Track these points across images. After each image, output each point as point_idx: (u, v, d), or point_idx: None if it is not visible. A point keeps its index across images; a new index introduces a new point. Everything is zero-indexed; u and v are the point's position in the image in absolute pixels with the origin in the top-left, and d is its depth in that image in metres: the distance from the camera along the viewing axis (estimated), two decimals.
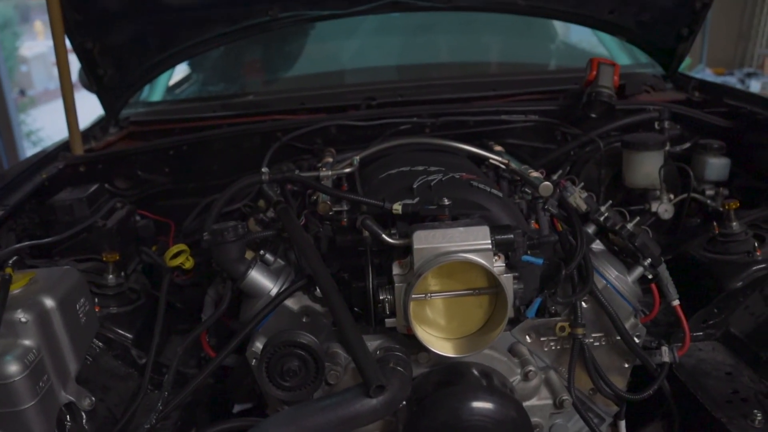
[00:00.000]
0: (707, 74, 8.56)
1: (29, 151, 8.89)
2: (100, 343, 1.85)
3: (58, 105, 2.54)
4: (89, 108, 2.96)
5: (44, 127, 9.81)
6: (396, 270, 1.54)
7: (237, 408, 2.03)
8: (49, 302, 1.47)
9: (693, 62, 8.64)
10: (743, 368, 1.86)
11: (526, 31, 3.59)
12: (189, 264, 1.81)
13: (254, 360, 1.65)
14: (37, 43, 12.96)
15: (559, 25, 3.77)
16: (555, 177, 2.10)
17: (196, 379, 1.62)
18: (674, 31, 2.72)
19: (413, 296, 1.49)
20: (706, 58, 9.18)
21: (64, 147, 2.55)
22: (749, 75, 8.68)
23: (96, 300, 1.92)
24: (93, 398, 1.55)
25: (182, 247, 1.81)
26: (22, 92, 11.68)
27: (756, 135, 2.41)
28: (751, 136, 2.42)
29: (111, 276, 2.00)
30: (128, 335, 1.93)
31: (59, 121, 2.55)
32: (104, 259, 2.00)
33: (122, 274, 2.06)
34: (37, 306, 1.44)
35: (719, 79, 8.15)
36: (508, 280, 1.51)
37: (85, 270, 2.00)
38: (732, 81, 8.42)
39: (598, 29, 2.97)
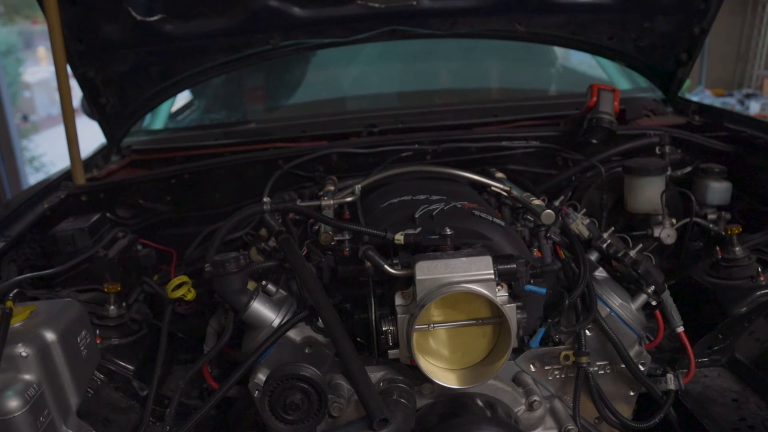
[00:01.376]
0: (706, 95, 8.60)
1: (32, 177, 8.91)
2: (102, 376, 1.83)
3: (61, 131, 2.56)
4: (91, 134, 2.98)
5: (47, 152, 9.84)
6: (399, 301, 1.53)
7: None
8: (50, 336, 1.46)
9: (692, 83, 8.69)
10: (750, 395, 1.85)
11: (526, 57, 3.61)
12: (191, 296, 1.80)
13: (257, 392, 1.64)
14: (40, 69, 13.05)
15: (558, 50, 3.80)
16: (557, 203, 2.10)
17: (199, 412, 1.60)
18: (673, 56, 2.75)
19: (416, 327, 1.49)
20: (705, 80, 9.22)
21: (65, 176, 2.56)
22: (748, 96, 8.71)
23: (97, 331, 1.91)
24: None
25: (184, 278, 1.81)
26: (25, 118, 11.73)
27: (757, 159, 2.41)
28: (752, 159, 2.43)
29: (112, 307, 1.99)
30: (130, 367, 1.91)
31: (62, 146, 2.57)
32: (105, 290, 1.99)
33: (123, 304, 2.05)
34: (37, 340, 1.43)
35: (718, 100, 8.19)
36: (511, 310, 1.50)
37: (86, 301, 1.99)
38: (731, 102, 8.46)
39: (598, 55, 3.00)
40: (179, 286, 1.78)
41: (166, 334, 1.86)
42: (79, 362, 1.54)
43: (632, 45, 2.74)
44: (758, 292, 1.97)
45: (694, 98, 3.07)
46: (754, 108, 8.26)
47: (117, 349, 1.94)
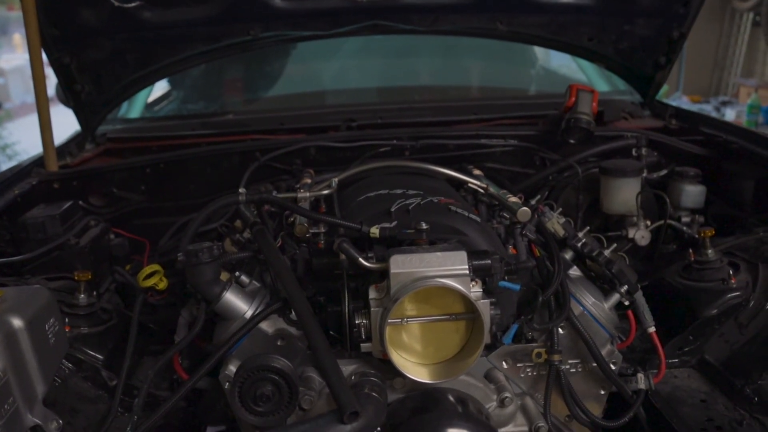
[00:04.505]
0: (684, 102, 8.69)
1: (4, 164, 8.79)
2: (70, 364, 1.81)
3: (36, 119, 2.51)
4: (67, 122, 2.93)
5: (21, 140, 9.70)
6: (372, 294, 1.53)
7: (210, 430, 1.99)
8: (17, 322, 1.43)
9: (670, 90, 8.79)
10: (718, 396, 1.87)
11: (506, 56, 3.62)
12: (162, 285, 1.79)
13: (227, 383, 1.63)
14: (15, 56, 12.88)
15: (539, 51, 3.81)
16: (533, 202, 2.10)
17: (168, 402, 1.59)
18: (652, 59, 2.77)
19: (389, 321, 1.48)
20: (683, 86, 9.33)
21: (38, 163, 2.52)
22: (724, 103, 8.82)
23: (66, 320, 1.88)
24: (60, 421, 1.52)
25: (156, 267, 1.79)
26: None
27: (731, 163, 2.44)
28: (727, 164, 2.46)
29: (82, 295, 1.96)
30: (99, 356, 1.89)
31: (36, 135, 2.52)
32: (76, 278, 1.96)
33: (94, 293, 2.02)
34: (4, 326, 1.41)
35: (695, 107, 8.28)
36: (484, 306, 1.50)
37: (56, 289, 1.96)
38: (708, 109, 8.56)
39: (577, 56, 3.01)
40: (151, 275, 1.77)
41: (136, 323, 1.84)
42: (47, 350, 1.52)
43: (612, 47, 2.76)
44: (729, 295, 2.00)
45: (672, 104, 3.09)
46: (729, 115, 8.36)
47: (86, 338, 1.91)
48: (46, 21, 2.38)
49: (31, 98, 2.50)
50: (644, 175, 2.41)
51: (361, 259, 1.57)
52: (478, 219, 1.82)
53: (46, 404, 1.51)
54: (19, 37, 13.08)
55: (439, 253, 1.51)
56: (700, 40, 8.74)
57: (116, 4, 2.40)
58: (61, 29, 2.43)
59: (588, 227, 1.98)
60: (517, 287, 1.62)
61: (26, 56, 2.44)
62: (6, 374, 1.37)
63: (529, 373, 1.74)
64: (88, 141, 2.85)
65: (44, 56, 2.45)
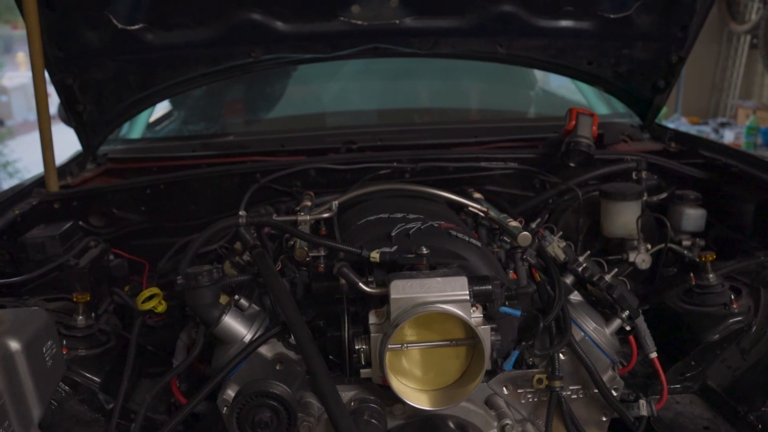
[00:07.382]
0: (683, 123, 8.72)
1: (5, 182, 8.81)
2: (67, 387, 1.79)
3: (38, 137, 2.51)
4: (69, 141, 2.93)
5: (22, 158, 9.72)
6: (372, 319, 1.52)
7: None
8: (14, 345, 1.42)
9: (669, 111, 8.82)
10: (721, 422, 1.85)
11: (506, 79, 3.63)
12: (161, 308, 1.78)
13: (225, 408, 1.61)
14: (18, 74, 12.95)
15: (539, 73, 3.83)
16: (534, 225, 2.10)
17: (165, 426, 1.58)
18: (651, 83, 2.79)
19: (389, 346, 1.47)
20: (681, 108, 9.36)
21: (38, 182, 2.52)
22: (723, 125, 8.85)
23: (64, 342, 1.87)
24: None
25: (155, 290, 1.78)
26: (1, 122, 11.61)
27: (731, 187, 2.44)
28: (727, 187, 2.46)
29: (81, 317, 1.94)
30: (96, 379, 1.87)
31: (37, 152, 2.52)
32: (74, 299, 1.95)
33: (92, 315, 2.01)
34: (1, 349, 1.40)
35: (694, 128, 8.31)
36: (485, 332, 1.50)
37: (54, 310, 1.95)
38: (706, 130, 8.58)
39: (577, 79, 3.03)
40: (150, 297, 1.76)
41: (134, 346, 1.83)
42: (44, 373, 1.50)
43: (611, 71, 2.77)
44: (731, 320, 1.99)
45: (671, 125, 3.10)
46: (728, 137, 8.39)
47: (84, 360, 1.90)
48: (50, 42, 2.39)
49: (33, 116, 2.52)
50: (644, 198, 2.41)
51: (361, 284, 1.57)
52: (479, 243, 1.81)
53: (42, 428, 1.49)
54: (22, 56, 13.17)
55: (439, 279, 1.51)
56: (699, 62, 8.80)
57: (119, 26, 2.41)
58: (64, 50, 2.44)
59: (588, 251, 1.98)
60: (518, 313, 1.62)
61: (29, 74, 2.45)
62: (2, 397, 1.36)
63: (530, 399, 1.72)
64: (89, 161, 2.86)
65: (47, 76, 2.46)
